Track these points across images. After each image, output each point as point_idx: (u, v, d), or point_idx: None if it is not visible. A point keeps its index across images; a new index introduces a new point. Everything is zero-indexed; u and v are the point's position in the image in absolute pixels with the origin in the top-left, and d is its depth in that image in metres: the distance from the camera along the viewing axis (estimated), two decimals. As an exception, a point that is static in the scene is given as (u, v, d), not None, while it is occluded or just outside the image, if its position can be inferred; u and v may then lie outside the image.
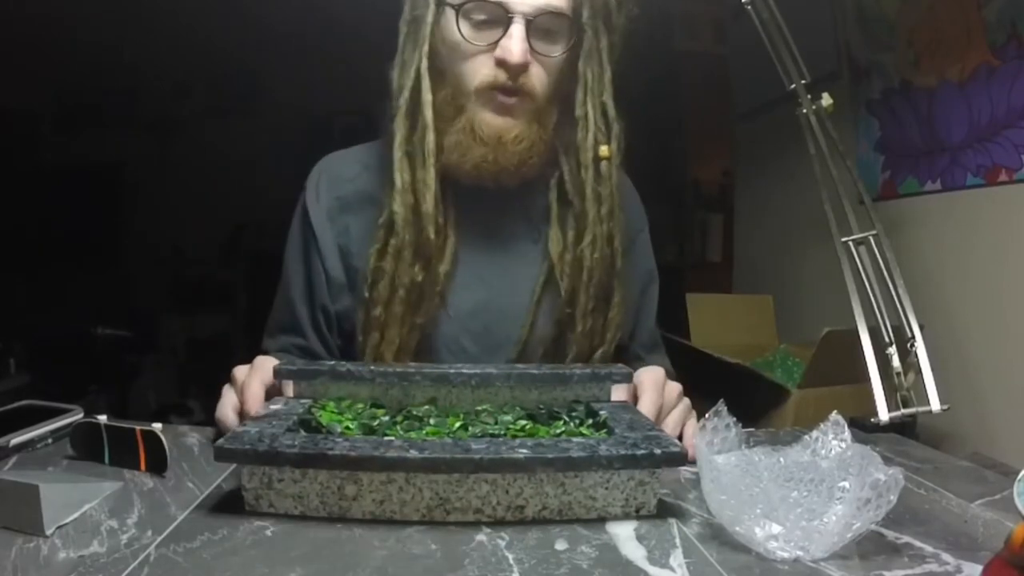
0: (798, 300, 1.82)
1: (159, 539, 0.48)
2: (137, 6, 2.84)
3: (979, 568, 0.43)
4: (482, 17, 0.75)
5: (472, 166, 0.78)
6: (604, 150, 0.81)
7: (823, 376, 1.22)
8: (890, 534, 0.52)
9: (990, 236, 1.20)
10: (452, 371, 0.68)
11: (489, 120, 0.76)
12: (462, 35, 0.75)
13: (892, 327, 0.84)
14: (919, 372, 0.81)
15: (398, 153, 0.78)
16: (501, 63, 0.74)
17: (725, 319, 1.79)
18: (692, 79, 2.66)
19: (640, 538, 0.50)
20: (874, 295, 0.86)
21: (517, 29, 0.73)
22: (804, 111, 0.93)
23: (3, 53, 2.62)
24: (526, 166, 0.79)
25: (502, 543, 0.49)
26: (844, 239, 0.88)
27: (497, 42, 0.74)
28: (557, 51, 0.76)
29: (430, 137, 0.77)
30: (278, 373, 0.68)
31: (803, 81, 0.94)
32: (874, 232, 0.88)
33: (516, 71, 0.74)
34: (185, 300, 3.39)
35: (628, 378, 0.70)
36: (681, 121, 2.73)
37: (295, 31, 3.09)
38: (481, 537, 0.50)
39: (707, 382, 1.22)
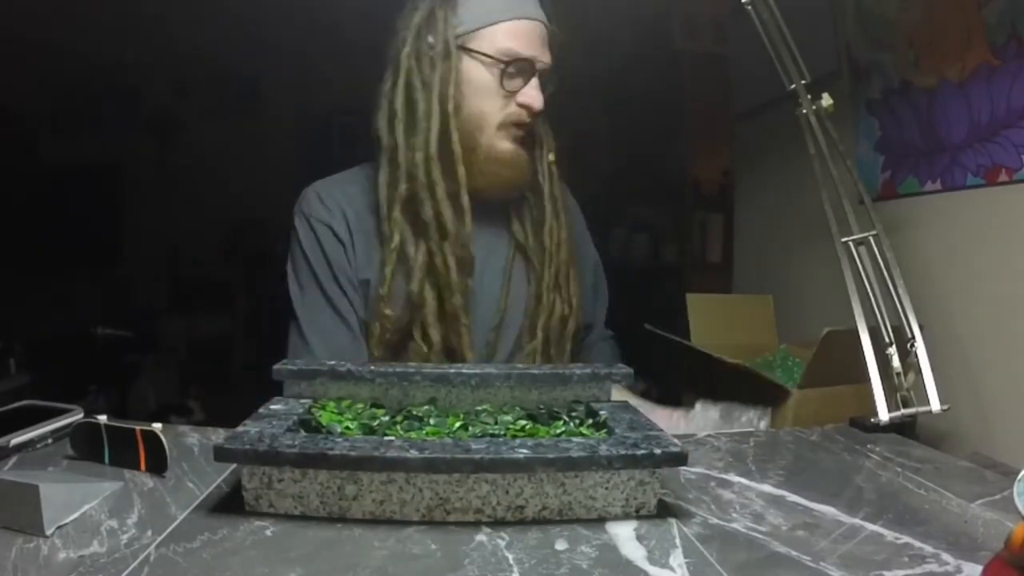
0: (798, 300, 1.82)
1: (159, 539, 0.48)
2: (137, 6, 2.84)
3: (979, 568, 0.43)
4: (517, 69, 0.89)
5: (498, 187, 0.92)
6: (552, 157, 0.97)
7: (823, 376, 1.22)
8: (890, 534, 0.52)
9: (990, 236, 1.20)
10: (452, 371, 0.68)
11: (509, 148, 0.91)
12: (499, 84, 0.88)
13: (892, 327, 0.84)
14: (919, 372, 0.82)
15: (429, 179, 0.87)
16: (525, 107, 0.89)
17: (725, 319, 1.79)
18: (692, 79, 2.65)
19: (640, 538, 0.50)
20: (874, 295, 0.86)
21: (536, 82, 0.89)
22: (804, 111, 0.93)
23: (3, 53, 2.62)
24: (524, 183, 0.95)
25: (502, 543, 0.49)
26: (844, 239, 0.88)
27: (518, 89, 0.89)
28: (547, 95, 0.92)
29: (461, 171, 0.88)
30: (277, 373, 0.68)
31: (803, 81, 0.94)
32: (874, 232, 0.88)
33: (535, 115, 0.91)
34: (185, 300, 3.39)
35: (628, 378, 0.71)
36: (681, 121, 2.73)
37: (295, 31, 3.09)
38: (481, 537, 0.50)
39: (707, 382, 1.22)
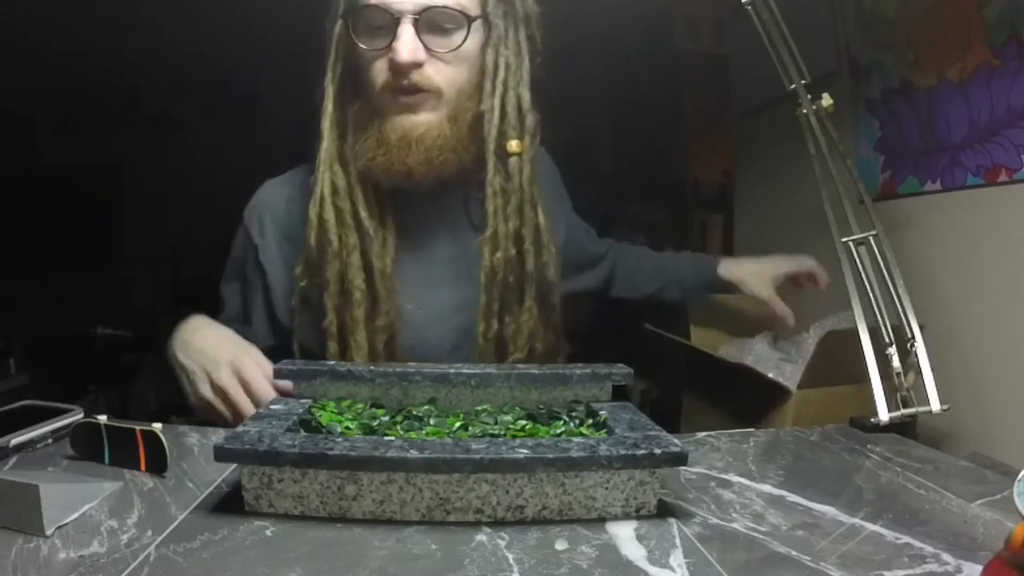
0: (798, 300, 1.82)
1: (159, 539, 0.48)
2: (136, 7, 2.84)
3: (979, 568, 0.43)
4: (375, 23, 0.76)
5: (382, 169, 0.78)
6: (513, 144, 0.79)
7: (823, 376, 1.22)
8: (890, 534, 0.52)
9: (990, 236, 1.20)
10: (452, 371, 0.68)
11: (395, 121, 0.77)
12: (359, 44, 0.77)
13: (892, 327, 0.84)
14: (919, 372, 0.82)
15: (316, 165, 0.80)
16: (393, 65, 0.75)
17: (725, 319, 1.79)
18: (692, 79, 2.65)
19: (640, 538, 0.50)
20: (874, 295, 0.86)
21: (404, 29, 0.74)
22: (804, 111, 0.93)
23: (3, 53, 2.62)
24: (435, 163, 0.78)
25: (502, 543, 0.49)
26: (844, 239, 0.88)
27: (390, 45, 0.75)
28: (452, 45, 0.76)
29: (325, 146, 0.79)
30: (278, 373, 0.68)
31: (803, 81, 0.94)
32: (874, 232, 0.88)
33: (405, 69, 0.75)
34: (185, 300, 3.39)
35: (628, 378, 0.70)
36: (681, 121, 2.73)
37: (294, 32, 3.09)
38: (481, 537, 0.50)
39: (707, 382, 1.22)
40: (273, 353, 0.78)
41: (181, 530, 0.49)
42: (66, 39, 2.94)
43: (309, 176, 0.83)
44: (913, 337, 0.83)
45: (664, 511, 0.54)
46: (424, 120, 0.77)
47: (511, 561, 0.46)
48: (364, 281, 0.79)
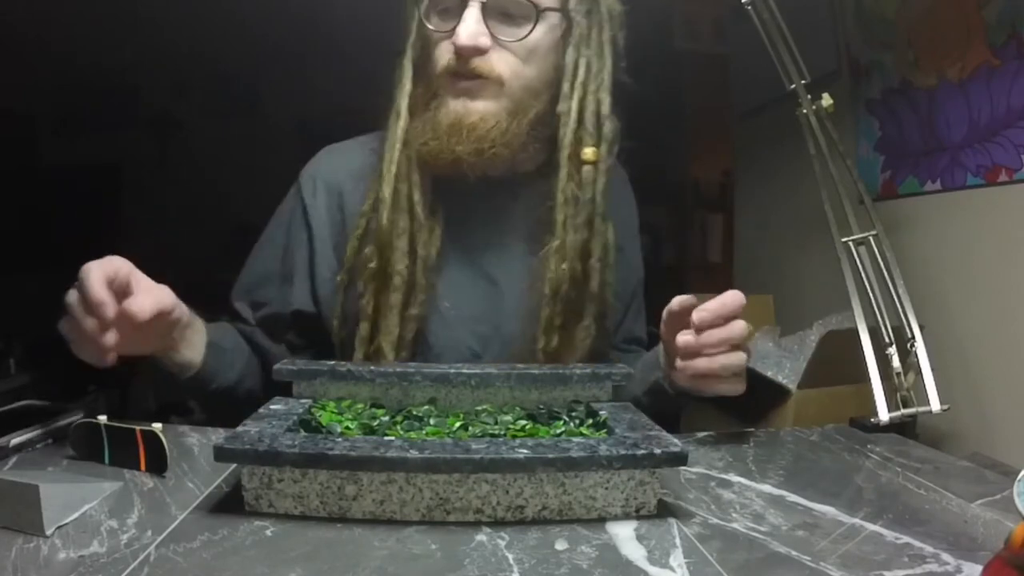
0: (798, 300, 1.82)
1: (159, 539, 0.48)
2: (136, 7, 2.84)
3: (979, 568, 0.43)
4: (444, 5, 0.75)
5: (431, 156, 0.76)
6: (588, 152, 0.76)
7: (823, 376, 1.22)
8: (890, 534, 0.52)
9: (990, 236, 1.20)
10: (452, 371, 0.68)
11: (450, 105, 0.75)
12: (427, 25, 0.76)
13: (892, 327, 0.85)
14: (919, 372, 0.82)
15: (387, 145, 0.78)
16: (455, 48, 0.73)
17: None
18: (692, 79, 2.65)
19: (640, 538, 0.50)
20: (874, 295, 0.86)
21: (470, 13, 0.73)
22: (804, 111, 0.93)
23: (3, 53, 2.62)
24: (489, 155, 0.75)
25: (502, 543, 0.49)
26: (844, 239, 0.88)
27: (455, 28, 0.73)
28: (519, 35, 0.74)
29: (399, 125, 0.77)
30: (278, 372, 0.68)
31: (803, 81, 0.94)
32: (874, 232, 0.88)
33: (466, 54, 0.73)
34: (185, 300, 3.38)
35: (628, 378, 0.71)
36: (681, 121, 2.73)
37: (294, 32, 3.09)
38: (481, 537, 0.50)
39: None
40: (311, 319, 0.79)
41: (181, 530, 0.49)
42: (66, 39, 2.94)
43: (369, 148, 0.83)
44: (913, 337, 0.83)
45: (664, 511, 0.54)
46: (480, 108, 0.75)
47: (511, 561, 0.46)
48: (406, 268, 0.76)
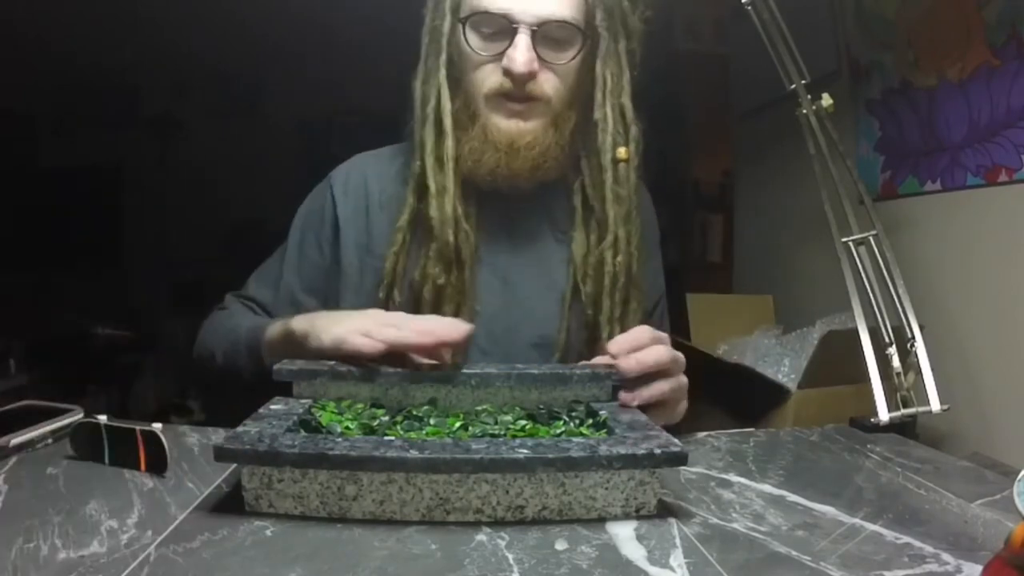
0: (798, 300, 1.82)
1: (159, 539, 0.48)
2: (136, 7, 2.84)
3: (979, 568, 0.43)
4: (490, 29, 0.78)
5: (487, 171, 0.80)
6: (622, 152, 0.82)
7: (823, 376, 1.22)
8: (890, 534, 0.52)
9: (990, 236, 1.20)
10: (452, 371, 0.68)
11: (502, 126, 0.79)
12: (471, 47, 0.78)
13: (892, 327, 0.85)
14: (919, 372, 0.82)
15: (429, 160, 0.81)
16: (507, 73, 0.77)
17: (725, 319, 1.79)
18: (692, 79, 2.65)
19: (640, 538, 0.50)
20: (874, 295, 0.86)
21: (522, 39, 0.76)
22: (804, 111, 0.93)
23: (3, 53, 2.62)
24: (541, 170, 0.81)
25: (502, 543, 0.49)
26: (844, 239, 0.88)
27: (503, 52, 0.76)
28: (566, 58, 0.78)
29: (449, 143, 0.80)
30: (278, 372, 0.68)
31: (803, 81, 0.94)
32: (874, 232, 0.88)
33: (521, 80, 0.77)
34: (185, 300, 3.39)
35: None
36: (681, 121, 2.73)
37: (294, 32, 3.09)
38: (481, 537, 0.50)
39: (707, 382, 1.22)
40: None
41: (181, 530, 0.49)
42: (66, 39, 2.94)
43: (400, 159, 0.87)
44: (913, 337, 0.83)
45: (664, 511, 0.54)
46: (532, 127, 0.79)
47: (511, 561, 0.46)
48: (457, 278, 0.81)
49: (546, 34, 0.77)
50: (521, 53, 0.75)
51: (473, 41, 0.78)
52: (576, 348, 0.84)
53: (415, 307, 0.81)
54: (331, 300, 0.87)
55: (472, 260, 0.82)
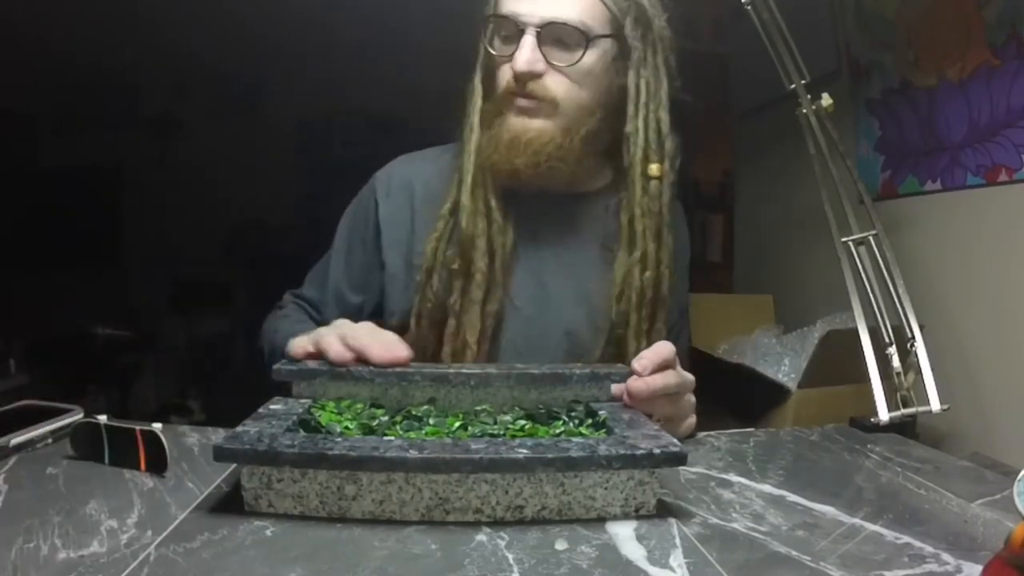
0: (798, 300, 1.82)
1: (159, 539, 0.48)
2: (136, 7, 2.84)
3: (979, 568, 0.43)
4: (504, 32, 0.82)
5: (493, 167, 0.82)
6: (653, 168, 0.83)
7: (823, 376, 1.22)
8: (890, 534, 0.52)
9: (990, 236, 1.20)
10: (451, 371, 0.68)
11: (511, 121, 0.82)
12: (490, 48, 0.83)
13: (892, 327, 0.84)
14: (919, 372, 0.82)
15: (463, 154, 0.85)
16: (513, 72, 0.80)
17: (725, 319, 1.79)
18: (692, 79, 2.66)
19: (640, 538, 0.50)
20: (874, 295, 0.86)
21: (527, 40, 0.79)
22: (804, 111, 0.93)
23: (3, 53, 2.62)
24: (546, 168, 0.81)
25: (502, 543, 0.49)
26: (844, 239, 0.88)
27: (512, 52, 0.80)
28: (572, 60, 0.80)
29: (474, 137, 0.84)
30: (277, 372, 0.68)
31: (803, 81, 0.94)
32: (874, 232, 0.88)
33: (522, 78, 0.79)
34: (185, 300, 3.39)
35: (627, 378, 0.70)
36: (681, 121, 2.73)
37: (294, 32, 3.09)
38: (481, 537, 0.50)
39: (707, 382, 1.22)
40: (374, 316, 0.85)
41: (181, 530, 0.49)
42: (66, 39, 2.94)
43: (443, 157, 0.90)
44: (913, 337, 0.83)
45: (664, 511, 0.54)
46: (537, 126, 0.81)
47: (511, 561, 0.46)
48: (486, 265, 0.83)
49: (554, 36, 0.79)
50: (523, 53, 0.78)
51: (495, 43, 0.83)
52: (605, 361, 0.83)
53: (448, 294, 0.83)
54: (381, 297, 0.91)
55: (505, 253, 0.84)
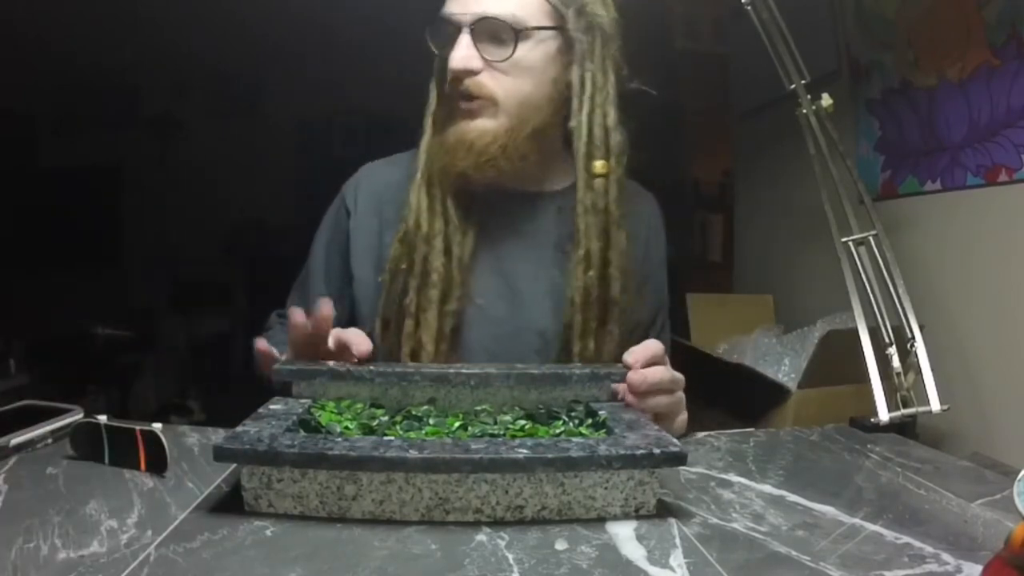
0: (798, 300, 1.82)
1: (159, 539, 0.48)
2: (136, 7, 2.84)
3: (979, 568, 0.43)
4: (444, 33, 0.80)
5: (440, 167, 0.82)
6: (597, 165, 0.80)
7: (823, 376, 1.22)
8: (890, 534, 0.52)
9: (990, 236, 1.20)
10: (451, 371, 0.68)
11: (456, 126, 0.81)
12: (434, 50, 0.82)
13: (892, 327, 0.84)
14: (919, 372, 0.82)
15: (419, 158, 0.85)
16: (449, 70, 0.78)
17: (725, 319, 1.79)
18: (692, 79, 2.65)
19: (640, 538, 0.50)
20: (874, 295, 0.86)
21: (462, 39, 0.78)
22: (804, 111, 0.93)
23: (3, 53, 2.62)
24: (490, 168, 0.80)
25: (502, 543, 0.49)
26: (844, 239, 0.88)
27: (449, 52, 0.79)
28: (503, 56, 0.78)
29: (424, 140, 0.84)
30: (278, 372, 0.68)
31: (803, 81, 0.94)
32: (874, 232, 0.88)
33: (459, 76, 0.78)
34: (185, 300, 3.39)
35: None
36: (681, 121, 2.73)
37: (294, 32, 3.09)
38: (481, 537, 0.50)
39: (707, 382, 1.23)
40: (351, 324, 0.82)
41: (181, 530, 0.49)
42: (66, 39, 2.94)
43: (405, 163, 0.89)
44: (913, 337, 0.83)
45: (664, 511, 0.54)
46: (478, 127, 0.80)
47: (511, 561, 0.46)
48: (443, 265, 0.82)
49: (489, 32, 0.78)
50: (457, 51, 0.77)
51: (434, 46, 0.82)
52: (563, 362, 0.82)
53: (404, 293, 0.82)
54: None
55: (464, 253, 0.83)
